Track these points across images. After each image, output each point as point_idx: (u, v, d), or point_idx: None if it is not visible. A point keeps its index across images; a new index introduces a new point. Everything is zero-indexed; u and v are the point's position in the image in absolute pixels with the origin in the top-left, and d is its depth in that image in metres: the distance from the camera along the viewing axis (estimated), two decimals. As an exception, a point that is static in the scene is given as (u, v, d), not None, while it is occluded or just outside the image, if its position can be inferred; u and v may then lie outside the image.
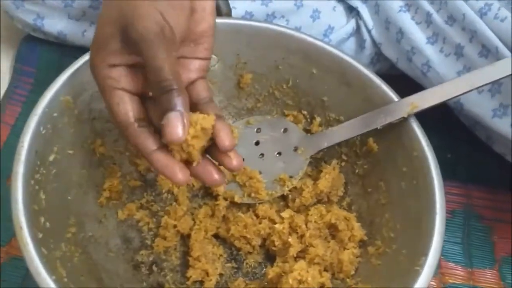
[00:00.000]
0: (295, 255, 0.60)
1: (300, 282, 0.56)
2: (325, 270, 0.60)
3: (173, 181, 0.45)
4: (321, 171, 0.65)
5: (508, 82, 0.63)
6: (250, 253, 0.64)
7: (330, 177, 0.64)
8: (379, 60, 0.77)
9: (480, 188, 0.74)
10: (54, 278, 0.46)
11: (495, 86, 0.64)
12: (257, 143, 0.67)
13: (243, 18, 0.71)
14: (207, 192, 0.67)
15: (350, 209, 0.65)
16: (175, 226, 0.62)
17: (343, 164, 0.67)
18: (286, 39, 0.64)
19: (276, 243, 0.61)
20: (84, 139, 0.58)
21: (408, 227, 0.57)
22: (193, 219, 0.64)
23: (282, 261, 0.60)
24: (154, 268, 0.61)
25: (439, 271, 0.67)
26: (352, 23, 0.76)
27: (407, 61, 0.72)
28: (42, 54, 0.80)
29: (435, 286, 0.66)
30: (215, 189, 0.65)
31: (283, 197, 0.66)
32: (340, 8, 0.76)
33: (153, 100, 0.46)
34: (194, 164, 0.46)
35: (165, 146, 0.45)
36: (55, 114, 0.54)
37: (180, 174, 0.45)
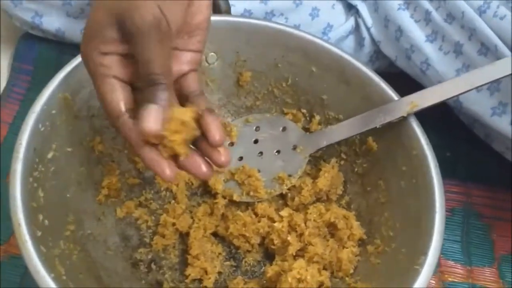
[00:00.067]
0: (294, 254, 0.60)
1: (299, 280, 0.56)
2: (324, 268, 0.60)
3: (160, 176, 0.45)
4: (320, 169, 0.65)
5: (507, 81, 0.63)
6: (249, 251, 0.64)
7: (329, 175, 0.64)
8: (378, 58, 0.77)
9: (479, 187, 0.74)
10: (53, 276, 0.46)
11: (494, 85, 0.64)
12: (256, 142, 0.67)
13: (242, 16, 0.71)
14: (206, 190, 0.67)
15: (349, 208, 0.65)
16: (174, 224, 0.62)
17: (342, 162, 0.66)
18: (286, 37, 0.64)
19: (275, 242, 0.61)
20: (82, 136, 0.58)
21: (408, 226, 0.57)
22: (192, 217, 0.64)
23: (281, 260, 0.60)
24: (153, 266, 0.61)
25: (438, 270, 0.68)
26: (351, 21, 0.76)
27: (406, 59, 0.72)
28: (40, 52, 0.80)
29: (434, 285, 0.66)
30: (214, 187, 0.65)
31: (282, 196, 0.66)
32: (339, 6, 0.76)
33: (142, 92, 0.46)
34: (181, 158, 0.46)
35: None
36: (53, 112, 0.54)
37: (168, 170, 0.45)
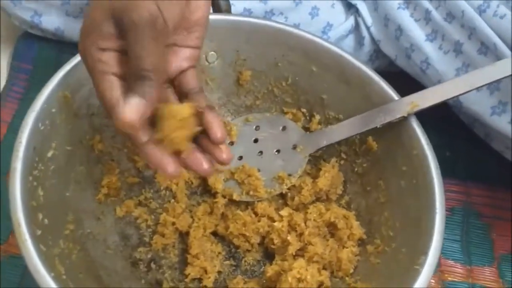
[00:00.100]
0: (294, 253, 0.60)
1: (299, 280, 0.56)
2: (324, 268, 0.60)
3: (164, 173, 0.45)
4: (320, 169, 0.65)
5: (507, 80, 0.63)
6: (248, 251, 0.63)
7: (330, 175, 0.64)
8: (378, 57, 0.77)
9: (479, 186, 0.74)
10: (53, 276, 0.46)
11: (493, 84, 0.64)
12: (255, 141, 0.67)
13: (242, 15, 0.71)
14: (206, 190, 0.67)
15: (349, 208, 0.65)
16: (173, 224, 0.62)
17: (342, 162, 0.66)
18: (286, 36, 0.64)
19: (275, 241, 0.61)
20: (82, 135, 0.58)
21: (408, 225, 0.57)
22: (192, 217, 0.63)
23: (281, 259, 0.60)
24: (153, 265, 0.61)
25: (438, 269, 0.67)
26: (351, 20, 0.76)
27: (406, 58, 0.72)
28: (40, 51, 0.80)
29: (434, 284, 0.66)
30: (214, 187, 0.65)
31: (282, 195, 0.66)
32: (339, 5, 0.76)
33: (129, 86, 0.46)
34: (184, 154, 0.46)
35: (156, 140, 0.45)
36: (53, 110, 0.54)
37: (171, 166, 0.45)
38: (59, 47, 0.79)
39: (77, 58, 0.55)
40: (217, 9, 0.64)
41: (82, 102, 0.57)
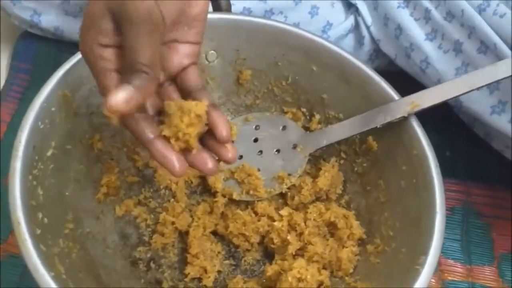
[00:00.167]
0: (293, 253, 0.60)
1: (299, 280, 0.56)
2: (324, 268, 0.60)
3: (171, 171, 0.45)
4: (320, 168, 0.65)
5: (506, 79, 0.62)
6: (248, 250, 0.63)
7: (330, 175, 0.64)
8: (377, 56, 0.77)
9: (479, 185, 0.74)
10: (52, 275, 0.46)
11: (493, 83, 0.64)
12: (255, 140, 0.67)
13: (242, 14, 0.71)
14: (206, 189, 0.67)
15: (348, 207, 0.65)
16: (173, 223, 0.62)
17: (342, 162, 0.66)
18: (286, 36, 0.64)
19: (275, 241, 0.61)
20: (82, 134, 0.58)
21: (408, 225, 0.57)
22: (191, 216, 0.63)
23: (281, 259, 0.60)
24: (152, 264, 0.61)
25: (438, 268, 0.67)
26: (351, 20, 0.76)
27: (406, 58, 0.72)
28: (39, 51, 0.80)
29: (434, 284, 0.66)
30: (213, 186, 0.65)
31: (282, 195, 0.66)
32: (338, 4, 0.76)
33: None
34: (194, 151, 0.46)
35: (163, 136, 0.45)
36: (53, 109, 0.53)
37: (178, 164, 0.45)
38: (58, 47, 0.79)
39: (76, 57, 0.55)
40: (217, 8, 0.64)
41: (81, 101, 0.57)
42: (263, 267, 0.63)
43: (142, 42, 0.42)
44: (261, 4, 0.72)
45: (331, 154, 0.67)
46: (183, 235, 0.63)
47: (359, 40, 0.76)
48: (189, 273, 0.60)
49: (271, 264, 0.61)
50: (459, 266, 0.68)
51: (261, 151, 0.66)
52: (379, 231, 0.60)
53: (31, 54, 0.79)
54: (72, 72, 0.55)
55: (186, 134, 0.45)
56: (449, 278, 0.67)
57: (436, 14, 0.68)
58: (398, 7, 0.71)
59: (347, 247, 0.60)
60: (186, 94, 0.49)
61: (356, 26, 0.76)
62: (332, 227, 0.62)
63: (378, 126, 0.60)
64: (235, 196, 0.64)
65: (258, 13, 0.72)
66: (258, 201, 0.64)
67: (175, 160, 0.45)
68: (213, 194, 0.65)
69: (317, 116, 0.67)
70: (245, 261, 0.63)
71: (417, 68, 0.71)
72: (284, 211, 0.62)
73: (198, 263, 0.60)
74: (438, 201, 0.54)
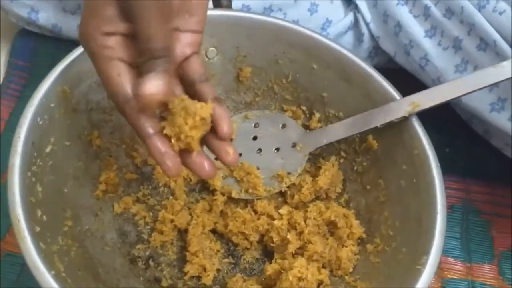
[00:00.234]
0: (293, 252, 0.60)
1: (300, 279, 0.56)
2: (323, 267, 0.60)
3: (164, 171, 0.44)
4: (320, 167, 0.65)
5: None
6: (247, 249, 0.63)
7: (330, 174, 0.64)
8: (377, 54, 0.77)
9: (478, 183, 0.74)
10: (53, 273, 0.45)
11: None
12: (255, 138, 0.66)
13: (243, 10, 0.70)
14: (204, 187, 0.66)
15: (348, 206, 0.65)
16: (172, 221, 0.62)
17: (341, 160, 0.66)
18: (287, 33, 0.64)
19: (275, 240, 0.61)
20: (80, 130, 0.58)
21: (408, 225, 0.56)
22: (190, 214, 0.63)
23: (281, 258, 0.60)
24: (151, 262, 0.61)
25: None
26: (350, 17, 0.75)
27: (405, 55, 0.72)
28: (37, 48, 0.79)
29: (433, 282, 0.66)
30: (212, 184, 0.64)
31: (281, 193, 0.65)
32: (338, 1, 0.76)
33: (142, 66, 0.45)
34: (194, 154, 0.45)
35: (163, 133, 0.44)
36: (52, 105, 0.53)
37: (173, 166, 0.44)
38: (56, 44, 0.79)
39: (76, 53, 0.55)
40: (218, 5, 0.64)
41: (81, 97, 0.56)
42: (262, 265, 0.62)
43: (155, 25, 0.42)
44: (260, 1, 0.72)
45: (330, 152, 0.66)
46: (182, 233, 0.63)
47: (359, 37, 0.76)
48: (188, 272, 0.59)
49: (270, 262, 0.60)
50: (458, 264, 0.68)
51: (260, 150, 0.66)
52: (378, 230, 0.60)
53: (29, 52, 0.79)
54: (72, 68, 0.55)
55: (189, 136, 0.44)
56: (449, 276, 0.67)
57: (436, 11, 0.68)
58: (398, 4, 0.70)
59: (346, 246, 0.60)
60: (189, 85, 0.49)
61: (356, 23, 0.76)
62: (332, 226, 0.62)
63: (379, 126, 0.60)
64: (234, 194, 0.64)
65: (257, 10, 0.72)
66: (257, 199, 0.64)
67: (171, 160, 0.44)
68: (212, 192, 0.65)
69: (317, 115, 0.67)
70: (244, 259, 0.63)
71: (416, 65, 0.71)
72: (284, 210, 0.62)
73: (197, 261, 0.59)
74: (439, 202, 0.54)
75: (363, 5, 0.75)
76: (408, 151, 0.59)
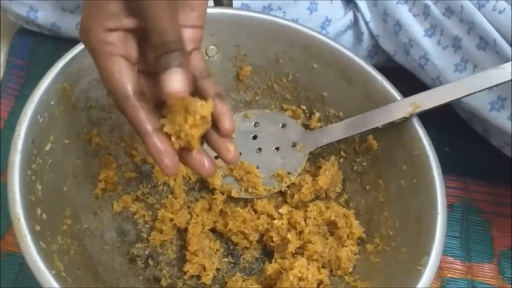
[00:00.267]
0: (293, 252, 0.59)
1: (300, 279, 0.55)
2: (323, 267, 0.59)
3: (161, 169, 0.44)
4: (320, 167, 0.65)
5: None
6: (247, 248, 0.63)
7: (330, 173, 0.64)
8: (376, 53, 0.77)
9: (478, 182, 0.74)
10: (53, 273, 0.45)
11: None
12: (254, 137, 0.66)
13: (244, 9, 0.70)
14: (204, 186, 0.66)
15: (347, 206, 0.65)
16: (171, 220, 0.61)
17: (341, 160, 0.66)
18: (288, 32, 0.64)
19: (275, 239, 0.61)
20: (80, 128, 0.57)
21: (408, 225, 0.56)
22: (190, 213, 0.63)
23: (280, 257, 0.60)
24: (150, 262, 0.61)
25: (437, 266, 0.67)
26: (350, 16, 0.75)
27: (405, 54, 0.72)
28: (36, 47, 0.79)
29: (433, 281, 0.66)
30: (212, 183, 0.64)
31: (281, 193, 0.65)
32: (337, 0, 0.76)
33: (148, 76, 0.45)
34: (194, 152, 0.45)
35: (162, 130, 0.44)
36: (52, 102, 0.53)
37: (171, 164, 0.44)
38: (55, 43, 0.78)
39: (76, 50, 0.54)
40: (218, 2, 0.64)
41: (80, 94, 0.56)
42: (261, 265, 0.62)
43: (166, 19, 0.42)
44: (259, 0, 0.72)
45: (330, 152, 0.66)
46: (182, 232, 0.62)
47: (358, 36, 0.76)
48: (187, 271, 0.59)
49: (270, 262, 0.60)
50: (458, 263, 0.68)
51: (260, 149, 0.66)
52: (378, 230, 0.60)
53: (28, 51, 0.79)
54: (72, 65, 0.54)
55: (189, 134, 0.44)
56: (449, 275, 0.67)
57: (435, 10, 0.68)
58: (397, 3, 0.70)
59: (346, 246, 0.60)
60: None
61: (355, 22, 0.76)
62: (332, 226, 0.62)
63: (379, 126, 0.59)
64: (234, 193, 0.64)
65: (257, 9, 0.72)
66: (257, 199, 0.64)
67: (168, 159, 0.44)
68: (212, 191, 0.65)
69: (317, 114, 0.67)
70: (244, 259, 0.63)
71: (416, 64, 0.71)
72: (284, 209, 0.62)
73: (196, 261, 0.59)
74: (439, 202, 0.54)
75: (362, 4, 0.75)
76: (409, 151, 0.59)
